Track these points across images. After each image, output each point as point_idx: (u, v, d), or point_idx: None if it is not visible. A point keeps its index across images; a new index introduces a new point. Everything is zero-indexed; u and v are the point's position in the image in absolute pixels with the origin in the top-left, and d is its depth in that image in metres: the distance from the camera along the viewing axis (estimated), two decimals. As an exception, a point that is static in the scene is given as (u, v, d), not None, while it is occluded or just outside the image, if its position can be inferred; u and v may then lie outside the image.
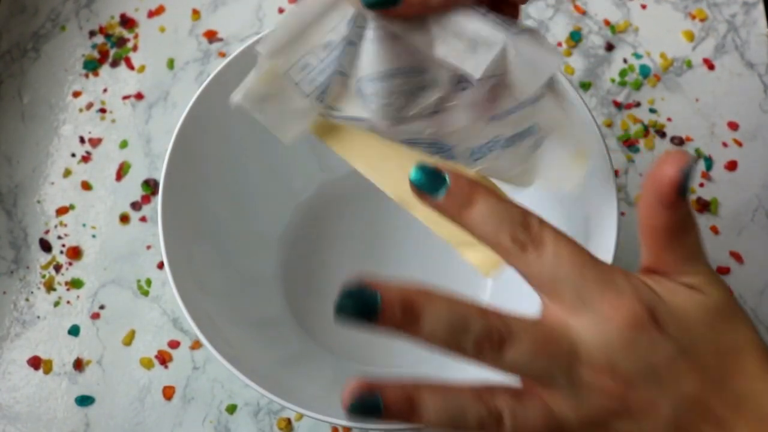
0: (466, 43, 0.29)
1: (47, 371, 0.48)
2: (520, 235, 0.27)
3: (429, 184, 0.28)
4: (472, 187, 0.27)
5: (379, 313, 0.25)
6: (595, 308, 0.26)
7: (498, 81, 0.30)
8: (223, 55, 0.57)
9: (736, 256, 0.51)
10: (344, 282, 0.25)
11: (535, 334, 0.26)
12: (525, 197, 0.47)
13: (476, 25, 0.29)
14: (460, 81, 0.30)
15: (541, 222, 0.27)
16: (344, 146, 0.35)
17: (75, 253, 0.50)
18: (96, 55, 0.57)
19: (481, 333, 0.25)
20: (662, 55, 0.57)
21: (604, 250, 0.39)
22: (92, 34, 0.58)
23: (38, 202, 0.52)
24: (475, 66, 0.29)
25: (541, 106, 0.32)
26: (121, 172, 0.53)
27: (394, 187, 0.38)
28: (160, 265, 0.50)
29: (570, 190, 0.34)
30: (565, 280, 0.26)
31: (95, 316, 0.49)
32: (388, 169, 0.36)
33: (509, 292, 0.48)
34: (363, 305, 0.25)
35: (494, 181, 0.35)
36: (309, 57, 0.31)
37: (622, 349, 0.25)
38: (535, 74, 0.29)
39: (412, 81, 0.30)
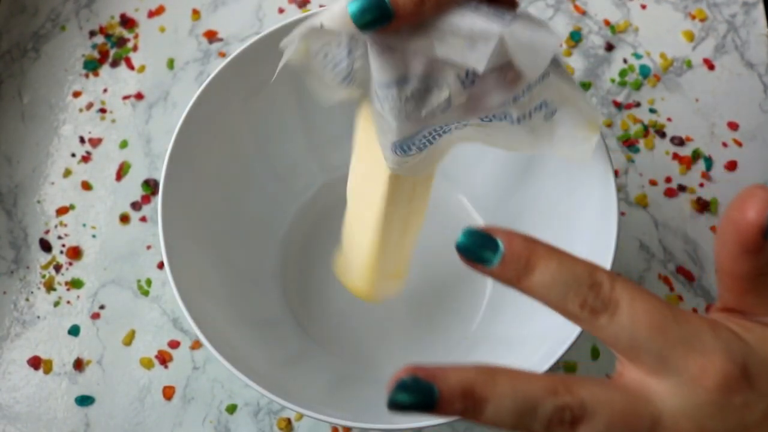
0: (464, 39, 0.30)
1: (47, 371, 0.48)
2: (590, 299, 0.24)
3: (479, 251, 0.25)
4: (529, 249, 0.25)
5: (438, 406, 0.23)
6: (681, 371, 0.24)
7: (504, 69, 0.30)
8: (223, 55, 0.57)
9: (736, 256, 0.51)
10: (397, 373, 0.24)
11: (611, 407, 0.24)
12: (527, 197, 0.47)
13: (470, 20, 0.29)
14: (467, 76, 0.31)
15: (612, 278, 0.25)
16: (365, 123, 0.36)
17: (75, 253, 0.50)
18: (96, 55, 0.57)
19: (551, 414, 0.23)
20: (662, 55, 0.57)
21: (604, 250, 0.39)
22: (92, 34, 0.58)
23: (38, 202, 0.52)
24: (477, 60, 0.30)
25: (548, 84, 0.32)
26: (121, 172, 0.53)
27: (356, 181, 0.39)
28: (160, 265, 0.50)
29: (581, 161, 0.34)
30: (645, 343, 0.24)
31: (95, 316, 0.49)
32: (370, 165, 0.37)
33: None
34: (420, 399, 0.23)
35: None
36: (327, 48, 0.32)
37: (712, 413, 0.23)
38: (537, 56, 0.30)
39: (418, 86, 0.31)
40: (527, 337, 0.42)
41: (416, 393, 0.23)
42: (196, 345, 0.48)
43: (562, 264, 0.25)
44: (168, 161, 0.40)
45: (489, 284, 0.48)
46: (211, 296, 0.41)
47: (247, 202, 0.47)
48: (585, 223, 0.42)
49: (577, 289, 0.24)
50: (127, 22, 0.58)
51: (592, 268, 0.25)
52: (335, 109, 0.48)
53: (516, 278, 0.25)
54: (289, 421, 0.46)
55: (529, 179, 0.46)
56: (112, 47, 0.57)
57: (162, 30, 0.58)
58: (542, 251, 0.25)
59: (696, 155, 0.54)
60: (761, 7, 0.59)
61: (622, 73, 0.56)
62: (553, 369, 0.39)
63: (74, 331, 0.49)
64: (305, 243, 0.50)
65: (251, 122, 0.45)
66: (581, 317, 0.24)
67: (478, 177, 0.49)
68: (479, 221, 0.50)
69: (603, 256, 0.39)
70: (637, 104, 0.55)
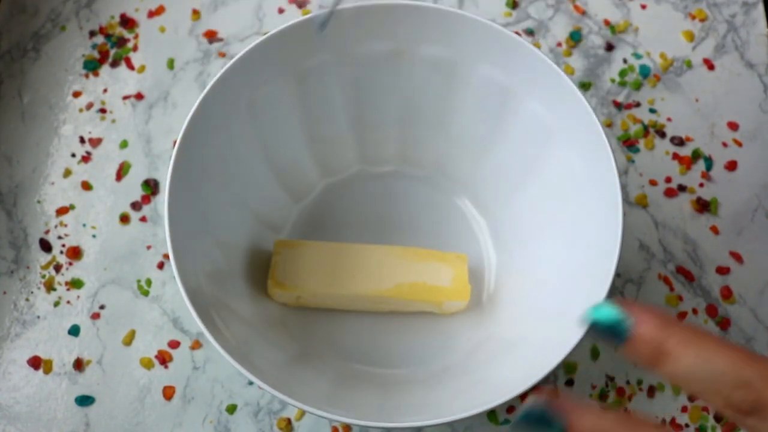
0: None
1: (47, 371, 0.48)
2: (736, 399, 0.22)
3: (609, 325, 0.24)
4: (664, 332, 0.23)
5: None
6: None
7: None
8: (223, 55, 0.57)
9: (736, 256, 0.51)
10: (528, 404, 0.24)
11: None
12: (530, 198, 0.47)
13: None
14: None
15: (763, 375, 0.22)
16: None
17: (75, 253, 0.50)
18: (96, 55, 0.57)
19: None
20: (662, 55, 0.57)
21: (609, 250, 0.39)
22: (92, 34, 0.58)
23: (38, 202, 0.52)
24: None
25: None
26: (121, 172, 0.53)
27: None
28: (160, 266, 0.50)
29: None
30: None
31: (95, 316, 0.49)
32: None
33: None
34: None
35: None
36: None
37: None
38: None
39: None
40: (528, 338, 0.42)
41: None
42: (196, 345, 0.48)
43: (699, 356, 0.23)
44: (173, 164, 0.40)
45: (490, 285, 0.48)
46: (215, 296, 0.41)
47: (248, 202, 0.47)
48: (589, 224, 0.42)
49: (719, 388, 0.23)
50: (127, 22, 0.58)
51: (737, 363, 0.23)
52: (336, 110, 0.48)
53: (650, 361, 0.24)
54: (289, 420, 0.46)
55: (532, 179, 0.46)
56: (112, 47, 0.57)
57: (162, 30, 0.58)
58: (677, 338, 0.23)
59: (696, 155, 0.54)
60: (761, 7, 0.59)
61: (622, 73, 0.56)
62: (554, 370, 0.39)
63: (74, 331, 0.49)
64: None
65: (253, 124, 0.45)
66: (725, 414, 0.23)
67: (480, 177, 0.49)
68: (481, 223, 0.50)
69: (608, 257, 0.39)
70: (637, 104, 0.55)
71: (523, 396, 0.47)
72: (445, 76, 0.46)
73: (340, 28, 0.43)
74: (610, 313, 0.24)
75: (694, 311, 0.49)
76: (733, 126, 0.55)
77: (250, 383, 0.47)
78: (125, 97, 0.55)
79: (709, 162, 0.54)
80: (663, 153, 0.54)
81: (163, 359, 0.48)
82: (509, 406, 0.47)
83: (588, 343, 0.48)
